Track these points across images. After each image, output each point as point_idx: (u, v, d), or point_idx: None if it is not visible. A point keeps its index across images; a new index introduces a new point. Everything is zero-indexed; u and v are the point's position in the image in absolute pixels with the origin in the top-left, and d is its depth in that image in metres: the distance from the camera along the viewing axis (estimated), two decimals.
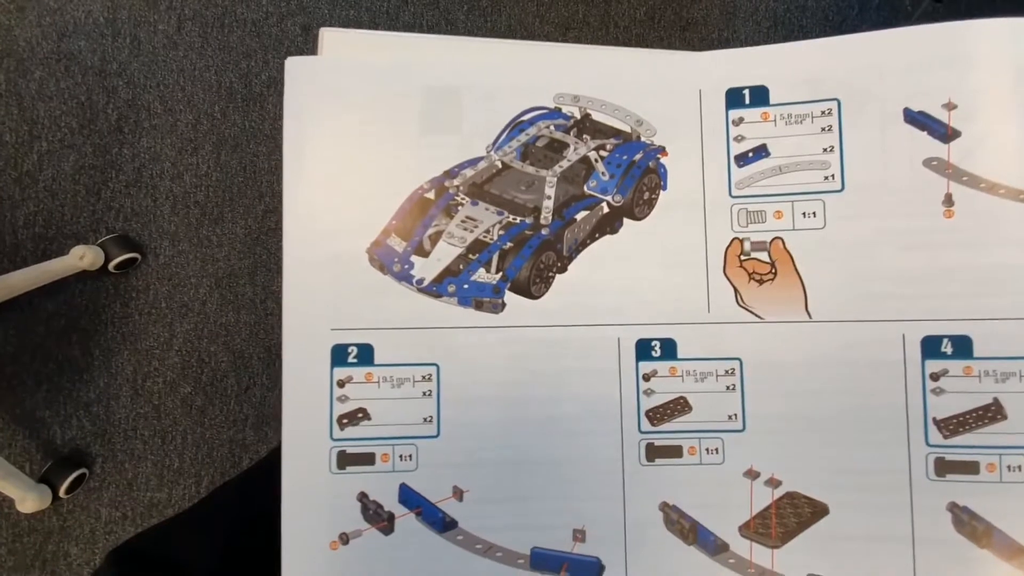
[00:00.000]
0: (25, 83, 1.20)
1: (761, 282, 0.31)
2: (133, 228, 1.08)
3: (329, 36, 0.33)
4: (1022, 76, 0.29)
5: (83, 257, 0.91)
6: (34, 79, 1.22)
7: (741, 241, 0.32)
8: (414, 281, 0.31)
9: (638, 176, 0.32)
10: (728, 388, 0.31)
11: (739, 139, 0.32)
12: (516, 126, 0.33)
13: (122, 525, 1.03)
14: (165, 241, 1.09)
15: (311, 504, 0.30)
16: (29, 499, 0.85)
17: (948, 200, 0.30)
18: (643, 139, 0.33)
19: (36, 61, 1.25)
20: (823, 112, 0.31)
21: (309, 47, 1.37)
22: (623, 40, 1.45)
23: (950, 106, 0.30)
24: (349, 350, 0.31)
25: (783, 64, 0.32)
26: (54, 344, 1.05)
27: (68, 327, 1.08)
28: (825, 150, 0.31)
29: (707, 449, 0.31)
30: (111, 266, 0.94)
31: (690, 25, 1.48)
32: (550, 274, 0.32)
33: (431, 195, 0.32)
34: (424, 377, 0.31)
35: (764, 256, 0.32)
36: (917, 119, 0.30)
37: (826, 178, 0.31)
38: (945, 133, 0.30)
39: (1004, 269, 0.29)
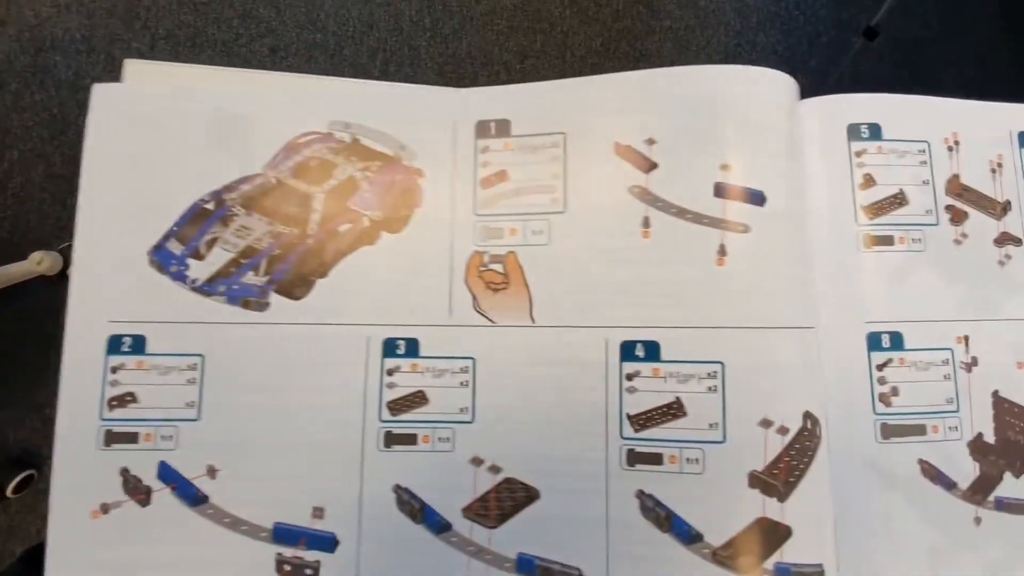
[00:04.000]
0: (0, 95, 1.25)
1: (496, 291, 0.36)
2: None
3: (131, 67, 0.37)
4: (691, 120, 0.34)
5: (41, 262, 0.95)
6: (10, 91, 1.27)
7: (481, 254, 0.36)
8: (188, 281, 0.36)
9: (397, 194, 0.37)
10: (462, 384, 0.35)
11: (485, 165, 0.37)
12: (292, 148, 0.37)
13: None
14: None
15: (78, 477, 0.34)
16: None
17: (646, 223, 0.35)
18: (404, 162, 0.37)
19: (13, 74, 1.30)
20: (552, 144, 0.36)
21: (276, 66, 1.43)
22: (579, 69, 1.51)
23: (651, 141, 0.35)
24: (123, 340, 0.35)
25: (524, 101, 0.37)
26: (9, 346, 1.08)
27: (23, 330, 1.11)
28: (554, 176, 0.36)
29: (439, 438, 0.35)
30: (70, 271, 0.98)
31: (644, 57, 1.54)
32: (312, 278, 0.36)
33: (210, 206, 0.37)
34: (190, 366, 0.35)
35: (500, 267, 0.36)
36: (624, 152, 0.35)
37: (552, 200, 0.36)
38: (646, 165, 0.35)
39: (687, 283, 0.34)
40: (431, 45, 1.46)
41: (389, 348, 0.35)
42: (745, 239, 0.34)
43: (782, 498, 0.33)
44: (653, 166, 0.35)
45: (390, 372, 0.35)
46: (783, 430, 0.33)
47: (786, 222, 0.35)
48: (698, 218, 0.34)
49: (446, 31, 1.47)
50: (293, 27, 1.42)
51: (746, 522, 0.32)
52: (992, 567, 0.35)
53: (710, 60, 1.54)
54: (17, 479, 0.92)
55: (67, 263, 0.99)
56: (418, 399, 0.35)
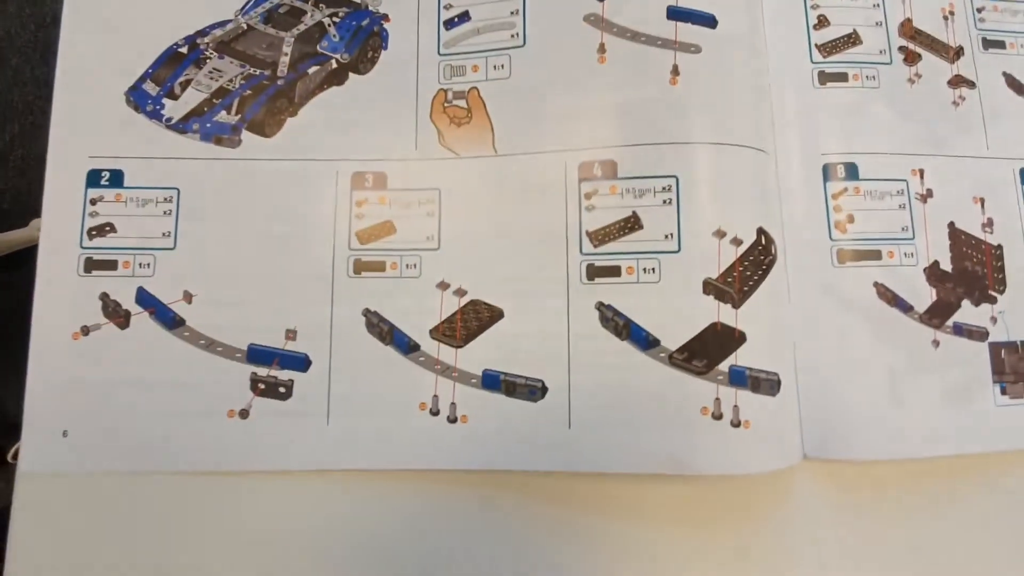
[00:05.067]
0: (1, 70, 1.27)
1: (460, 124, 0.37)
2: None
3: None
4: None
5: (41, 228, 0.96)
6: (10, 66, 1.29)
7: (445, 91, 0.38)
8: (163, 119, 0.37)
9: (363, 38, 0.38)
10: (428, 214, 0.37)
11: (447, 7, 0.38)
12: None
13: None
14: None
15: (58, 302, 0.35)
16: None
17: (602, 48, 0.36)
18: (370, 8, 0.39)
19: (14, 49, 1.32)
20: None
21: None
22: None
23: None
24: (103, 174, 0.36)
25: None
26: (8, 312, 1.09)
27: (24, 297, 1.12)
28: (512, 12, 0.37)
29: (407, 264, 0.36)
30: None
31: None
32: (282, 117, 0.37)
33: (184, 50, 0.38)
34: (166, 199, 0.36)
35: (463, 103, 0.37)
36: None
37: (512, 35, 0.37)
38: None
39: (642, 103, 0.35)
40: None
41: (357, 181, 0.37)
42: (697, 59, 0.35)
43: (736, 304, 0.34)
44: None
45: (359, 204, 0.36)
46: (737, 241, 0.34)
47: (738, 45, 0.36)
48: (651, 40, 0.35)
49: None
50: None
51: (701, 327, 0.33)
52: (950, 391, 0.36)
53: None
54: (17, 445, 0.93)
55: None
56: (387, 229, 0.36)
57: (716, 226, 0.34)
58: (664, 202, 0.34)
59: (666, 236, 0.34)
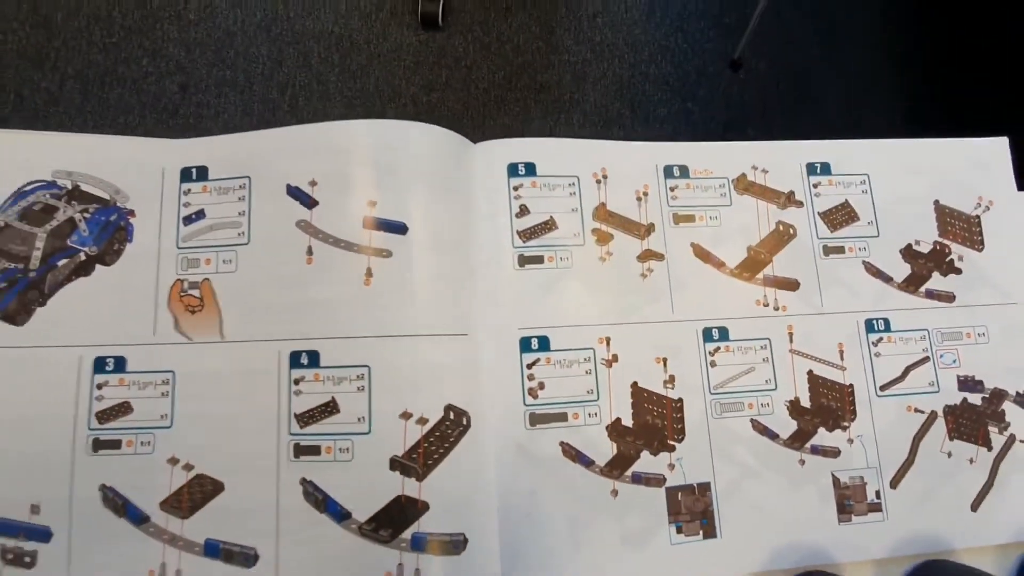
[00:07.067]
0: None
1: (193, 312, 0.42)
2: None
3: None
4: (345, 165, 0.41)
5: None
6: None
7: (181, 282, 0.42)
8: None
9: (111, 232, 0.43)
10: (163, 394, 0.41)
11: (186, 205, 0.43)
12: (19, 194, 0.43)
13: None
14: None
15: None
16: None
17: (309, 251, 0.41)
18: (119, 204, 0.43)
19: None
20: (240, 186, 0.43)
21: (185, 103, 1.48)
22: (483, 101, 1.59)
23: (313, 183, 0.42)
24: None
25: (220, 149, 0.43)
26: None
27: None
28: (240, 213, 0.42)
29: (142, 442, 0.41)
30: None
31: (544, 88, 1.63)
32: (32, 307, 0.42)
33: None
34: None
35: (196, 293, 0.42)
36: (292, 192, 0.42)
37: (239, 234, 0.42)
38: (309, 203, 0.41)
39: (341, 301, 0.40)
40: (340, 80, 1.52)
41: (99, 365, 0.41)
42: (388, 262, 0.41)
43: (420, 478, 0.39)
44: (315, 203, 0.41)
45: (99, 386, 0.41)
46: (422, 420, 0.40)
47: (432, 247, 0.42)
48: (349, 246, 0.41)
49: (353, 67, 1.54)
50: (203, 65, 1.47)
51: (387, 500, 0.39)
52: (628, 535, 0.42)
53: (606, 91, 1.64)
54: None
55: None
56: (124, 409, 0.41)
57: (402, 408, 0.40)
58: (358, 389, 0.40)
59: (359, 419, 0.39)
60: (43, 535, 0.39)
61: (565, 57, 1.58)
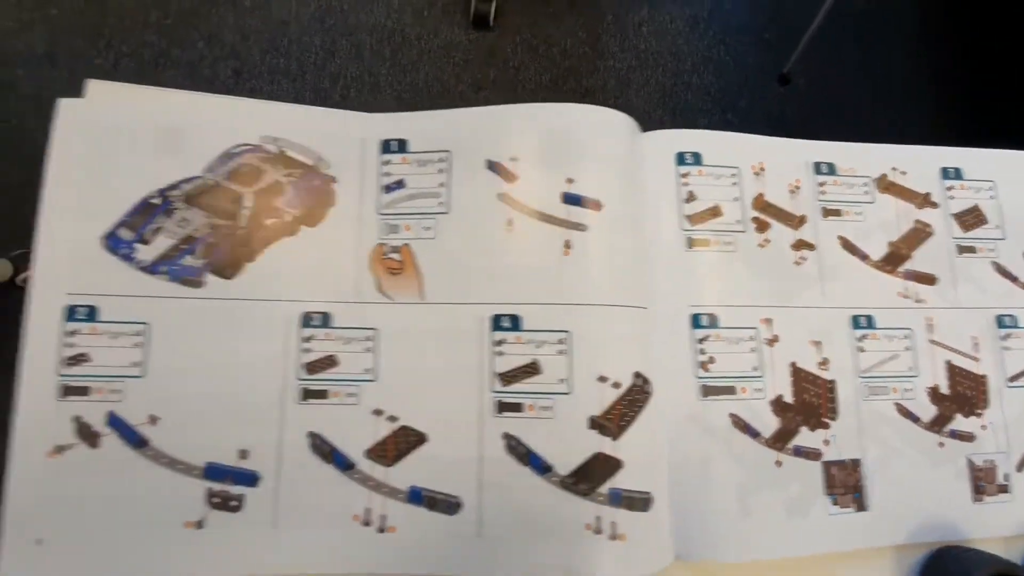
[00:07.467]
0: None
1: (394, 274, 0.45)
2: None
3: (93, 86, 0.45)
4: (546, 144, 0.44)
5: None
6: None
7: (382, 245, 0.45)
8: (135, 262, 0.43)
9: (315, 196, 0.45)
10: (367, 350, 0.44)
11: (386, 175, 0.46)
12: (228, 156, 0.45)
13: None
14: None
15: (36, 424, 0.41)
16: None
17: (510, 223, 0.44)
18: (321, 171, 0.46)
19: None
20: (440, 159, 0.45)
21: (239, 88, 1.49)
22: (530, 101, 1.62)
23: (514, 159, 0.45)
24: (78, 309, 0.42)
25: (419, 125, 0.46)
26: None
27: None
28: (440, 184, 0.45)
29: (347, 393, 0.43)
30: (18, 280, 1.02)
31: (589, 92, 1.65)
32: (242, 262, 0.44)
33: (156, 201, 0.44)
34: (136, 332, 0.42)
35: (397, 256, 0.45)
36: (493, 167, 0.45)
37: (439, 204, 0.45)
38: (509, 177, 0.44)
39: (541, 270, 0.43)
40: (390, 74, 1.54)
41: (306, 320, 0.44)
42: (585, 236, 0.44)
43: (615, 437, 0.42)
44: (515, 177, 0.44)
45: (307, 340, 0.43)
46: (616, 385, 0.42)
47: (619, 224, 0.45)
48: (549, 218, 0.44)
49: (404, 61, 1.55)
50: (257, 52, 1.48)
51: (586, 456, 0.41)
52: (790, 502, 0.45)
53: (649, 97, 1.68)
54: None
55: (16, 270, 1.03)
56: (331, 362, 0.43)
57: (599, 372, 0.42)
58: (559, 352, 0.42)
59: (560, 380, 0.42)
60: (251, 479, 0.41)
61: (610, 63, 1.61)
